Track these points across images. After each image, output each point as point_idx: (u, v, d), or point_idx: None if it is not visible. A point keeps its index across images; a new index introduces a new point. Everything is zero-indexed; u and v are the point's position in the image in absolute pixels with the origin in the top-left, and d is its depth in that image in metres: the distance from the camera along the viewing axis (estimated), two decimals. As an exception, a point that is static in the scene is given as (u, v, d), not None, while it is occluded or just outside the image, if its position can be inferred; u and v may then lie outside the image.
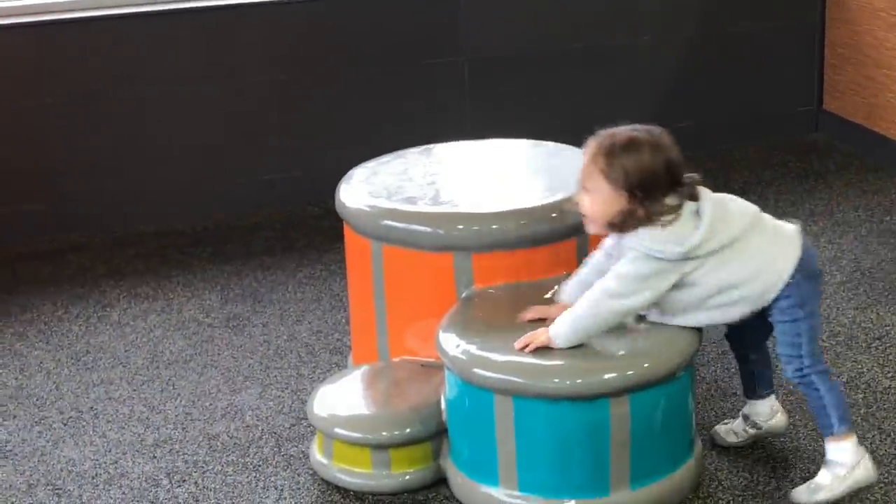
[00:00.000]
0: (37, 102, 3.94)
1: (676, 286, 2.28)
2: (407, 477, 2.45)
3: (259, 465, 2.63)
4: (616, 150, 2.31)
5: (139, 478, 2.60)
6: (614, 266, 2.30)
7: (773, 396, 2.61)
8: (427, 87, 4.31)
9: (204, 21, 4.07)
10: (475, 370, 2.26)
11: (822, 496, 2.33)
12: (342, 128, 4.23)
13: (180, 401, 2.97)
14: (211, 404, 2.95)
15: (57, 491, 2.57)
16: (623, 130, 2.36)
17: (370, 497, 2.45)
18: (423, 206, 2.66)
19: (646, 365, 2.23)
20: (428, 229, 2.60)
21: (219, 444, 2.74)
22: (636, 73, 4.46)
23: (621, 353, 2.26)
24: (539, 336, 2.31)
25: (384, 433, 2.45)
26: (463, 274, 2.58)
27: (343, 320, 3.30)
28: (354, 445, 2.46)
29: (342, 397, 2.61)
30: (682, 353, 2.27)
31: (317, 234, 3.99)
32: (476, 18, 4.25)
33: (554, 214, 2.60)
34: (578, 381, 2.21)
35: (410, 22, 4.22)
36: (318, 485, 2.54)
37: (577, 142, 2.94)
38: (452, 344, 2.33)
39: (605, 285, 2.28)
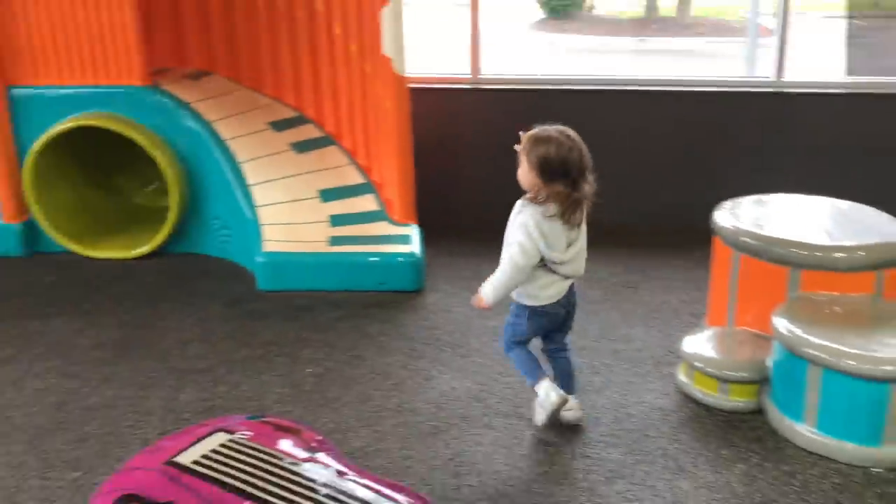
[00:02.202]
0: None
1: None
2: (739, 403, 2.86)
3: (644, 374, 3.08)
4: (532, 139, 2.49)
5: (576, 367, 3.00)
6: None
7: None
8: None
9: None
10: (799, 347, 2.60)
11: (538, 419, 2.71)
12: (726, 175, 4.52)
13: (595, 326, 3.45)
14: (614, 331, 3.42)
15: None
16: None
17: (714, 410, 2.85)
18: (769, 231, 2.98)
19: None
20: (770, 248, 2.93)
21: (620, 356, 3.21)
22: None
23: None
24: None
25: (729, 372, 2.86)
26: (793, 282, 2.90)
27: (700, 297, 3.56)
28: (708, 376, 2.88)
29: (703, 344, 3.00)
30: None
31: (695, 238, 4.08)
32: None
33: (861, 253, 2.86)
34: (869, 367, 2.49)
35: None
36: (680, 394, 2.95)
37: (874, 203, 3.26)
38: (783, 326, 2.68)
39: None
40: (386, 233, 3.91)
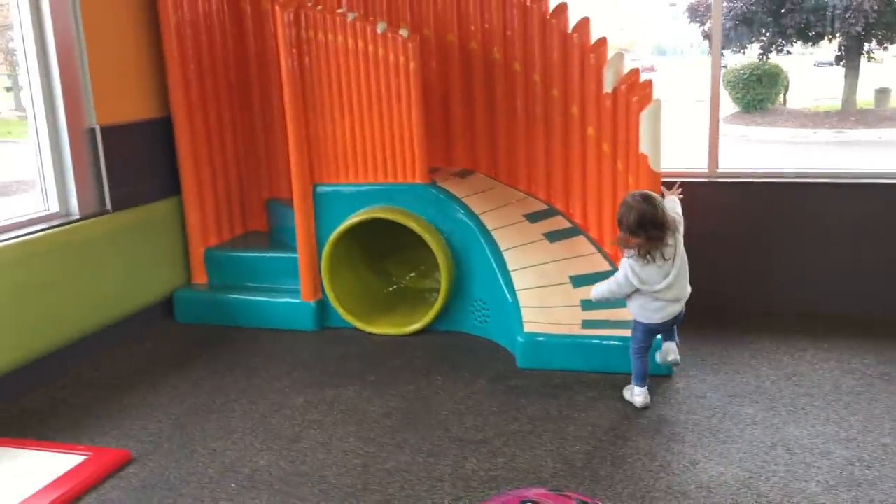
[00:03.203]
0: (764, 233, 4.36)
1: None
2: None
3: None
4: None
5: (841, 459, 2.85)
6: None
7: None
8: None
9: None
10: None
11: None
12: None
13: (858, 418, 3.16)
14: (878, 423, 3.09)
15: (789, 450, 2.90)
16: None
17: None
18: None
19: None
20: None
21: (889, 450, 2.91)
22: None
23: None
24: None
25: None
26: None
27: None
28: None
29: None
30: None
31: None
32: None
33: None
34: None
35: None
36: None
37: None
38: None
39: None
40: (634, 318, 3.78)
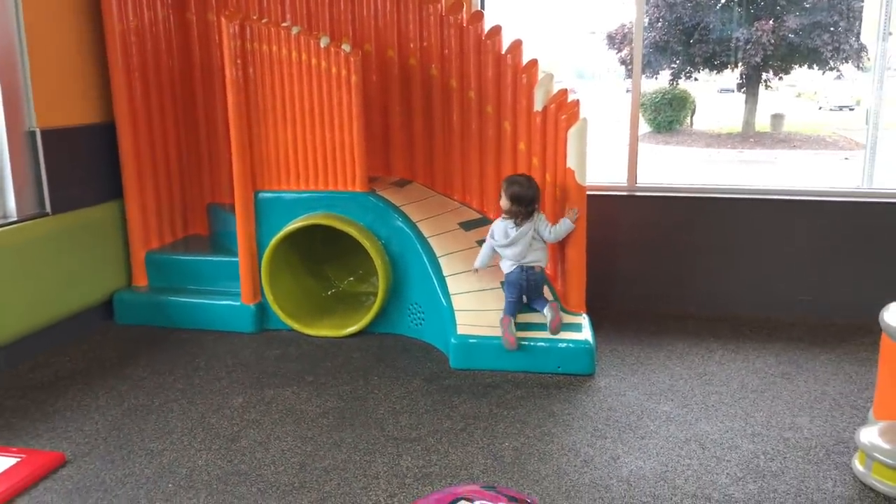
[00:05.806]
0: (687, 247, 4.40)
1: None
2: (920, 496, 2.52)
3: (818, 462, 2.80)
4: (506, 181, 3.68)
5: (748, 452, 2.88)
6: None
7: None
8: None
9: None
10: None
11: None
12: (866, 277, 4.24)
13: (762, 413, 3.19)
14: (780, 419, 3.15)
15: (701, 445, 2.91)
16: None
17: (894, 500, 2.56)
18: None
19: None
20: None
21: (790, 443, 2.95)
22: None
23: None
24: None
25: (911, 466, 2.53)
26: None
27: (855, 390, 3.39)
28: (888, 468, 2.61)
29: (879, 436, 2.72)
30: None
31: (838, 333, 4.09)
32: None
33: None
34: None
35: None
36: (857, 484, 2.67)
37: None
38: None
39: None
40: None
